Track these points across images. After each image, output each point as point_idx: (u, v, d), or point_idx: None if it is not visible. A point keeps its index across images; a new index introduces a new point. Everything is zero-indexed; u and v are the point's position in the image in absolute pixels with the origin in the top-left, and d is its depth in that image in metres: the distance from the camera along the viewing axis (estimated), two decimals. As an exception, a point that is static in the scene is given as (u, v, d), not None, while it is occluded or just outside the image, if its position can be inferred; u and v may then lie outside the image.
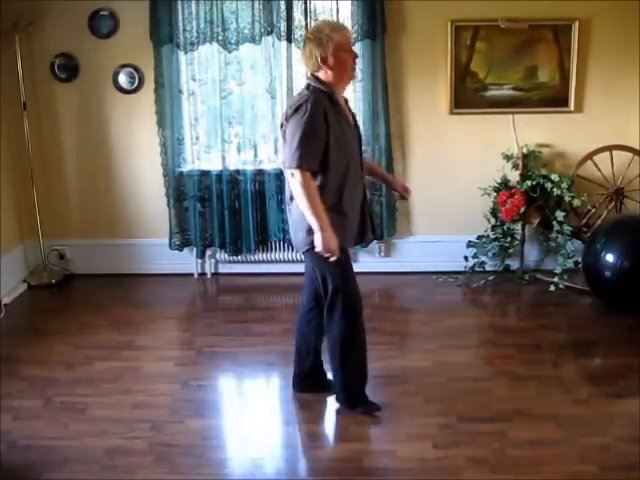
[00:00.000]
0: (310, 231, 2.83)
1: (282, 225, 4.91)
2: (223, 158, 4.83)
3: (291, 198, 2.92)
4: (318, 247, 2.78)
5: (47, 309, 4.61)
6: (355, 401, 3.13)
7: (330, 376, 3.25)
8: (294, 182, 2.77)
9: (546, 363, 3.63)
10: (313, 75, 2.89)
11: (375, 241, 4.95)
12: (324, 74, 2.85)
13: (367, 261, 5.03)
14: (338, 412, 3.18)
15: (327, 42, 2.79)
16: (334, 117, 2.83)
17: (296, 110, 2.78)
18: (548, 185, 4.60)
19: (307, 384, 3.31)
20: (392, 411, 3.14)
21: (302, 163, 2.74)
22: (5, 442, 2.95)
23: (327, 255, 2.79)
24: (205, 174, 4.89)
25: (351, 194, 2.92)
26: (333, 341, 3.04)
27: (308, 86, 2.87)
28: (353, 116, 3.05)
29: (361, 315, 3.04)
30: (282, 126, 2.89)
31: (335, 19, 4.58)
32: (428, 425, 3.02)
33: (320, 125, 2.76)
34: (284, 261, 5.07)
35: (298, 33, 4.59)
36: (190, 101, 4.77)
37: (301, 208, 2.80)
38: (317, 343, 3.25)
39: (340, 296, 2.94)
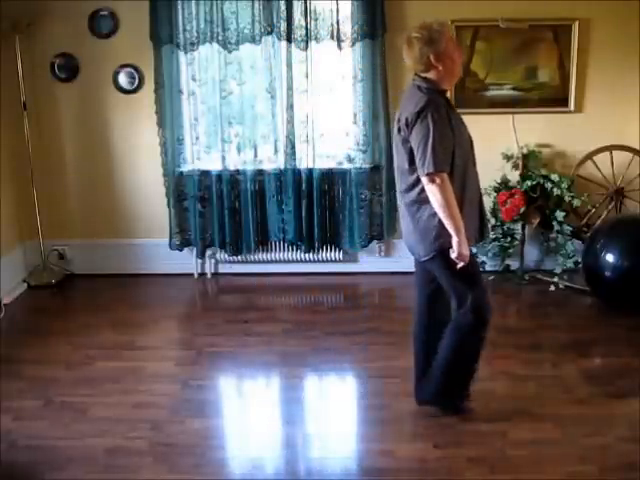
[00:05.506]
0: (437, 237, 2.74)
1: (282, 225, 4.90)
2: (223, 158, 4.83)
3: (416, 207, 2.79)
4: (454, 251, 2.68)
5: (47, 309, 4.60)
6: (448, 402, 3.07)
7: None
8: (434, 187, 2.64)
9: (546, 363, 3.63)
10: (420, 76, 2.75)
11: (375, 241, 4.96)
12: (435, 73, 2.71)
13: (367, 261, 5.01)
14: (338, 412, 3.18)
15: (439, 38, 2.67)
16: (452, 116, 2.74)
17: (419, 115, 2.64)
18: (548, 185, 4.60)
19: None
20: (392, 411, 3.14)
21: (442, 166, 2.63)
22: (5, 442, 2.95)
23: (458, 260, 2.70)
24: (205, 174, 4.88)
25: (471, 194, 2.83)
26: (451, 343, 2.91)
27: (419, 88, 2.72)
28: None
29: (488, 324, 2.88)
30: (400, 131, 2.75)
31: (335, 19, 4.58)
32: (428, 425, 3.02)
33: (447, 126, 2.67)
34: (284, 261, 5.06)
35: (298, 33, 4.59)
36: (190, 101, 4.77)
37: (439, 212, 2.67)
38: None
39: (470, 298, 2.80)
